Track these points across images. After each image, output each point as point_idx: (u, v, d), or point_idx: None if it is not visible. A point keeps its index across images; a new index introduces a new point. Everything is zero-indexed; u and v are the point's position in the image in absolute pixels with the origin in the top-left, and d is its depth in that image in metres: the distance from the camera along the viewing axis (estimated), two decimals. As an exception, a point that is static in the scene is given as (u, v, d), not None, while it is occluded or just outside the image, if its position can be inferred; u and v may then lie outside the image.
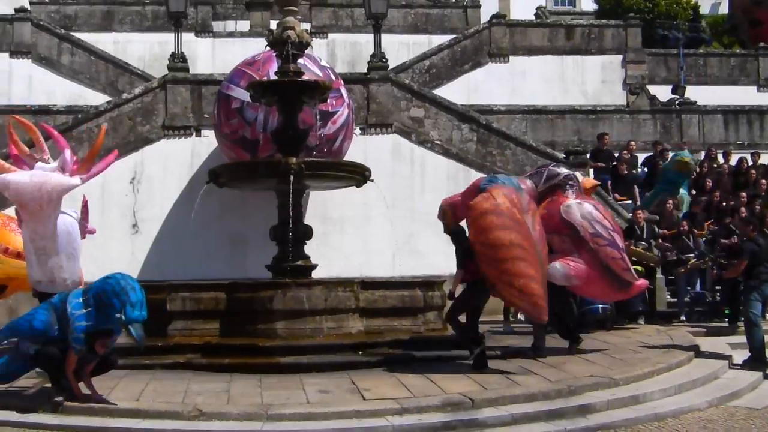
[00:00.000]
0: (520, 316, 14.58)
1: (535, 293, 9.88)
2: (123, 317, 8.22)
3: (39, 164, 10.08)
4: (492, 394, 8.84)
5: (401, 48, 26.39)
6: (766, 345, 11.49)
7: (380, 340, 11.39)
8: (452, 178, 17.34)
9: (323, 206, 16.84)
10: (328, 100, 14.94)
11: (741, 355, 11.66)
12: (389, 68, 18.50)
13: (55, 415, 8.31)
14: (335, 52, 26.85)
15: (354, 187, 15.00)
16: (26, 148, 10.49)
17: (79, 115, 17.53)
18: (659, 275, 15.90)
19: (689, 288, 15.78)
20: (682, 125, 22.56)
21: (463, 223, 10.76)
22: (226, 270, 15.74)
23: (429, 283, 12.49)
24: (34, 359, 8.69)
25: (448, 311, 10.53)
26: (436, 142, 17.71)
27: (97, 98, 21.98)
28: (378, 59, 18.17)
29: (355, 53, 26.82)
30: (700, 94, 23.88)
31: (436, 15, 28.53)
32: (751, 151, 20.89)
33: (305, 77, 14.00)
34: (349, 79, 17.53)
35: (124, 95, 17.70)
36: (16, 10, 24.32)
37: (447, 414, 8.30)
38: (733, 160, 20.03)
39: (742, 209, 16.22)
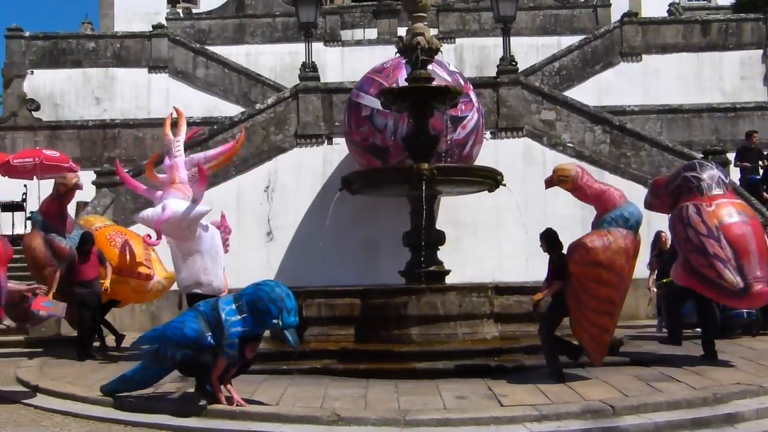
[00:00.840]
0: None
1: (603, 344, 10.08)
2: (280, 323, 8.48)
3: (172, 191, 10.94)
4: (633, 401, 8.61)
5: (530, 50, 26.15)
6: None
7: (515, 345, 11.28)
8: (585, 181, 17.05)
9: (455, 211, 16.82)
10: (458, 105, 14.93)
11: None
12: (519, 71, 18.35)
13: (200, 419, 8.53)
14: (463, 57, 26.83)
15: (486, 191, 14.93)
16: (158, 176, 11.23)
17: (215, 126, 18.08)
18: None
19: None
20: (829, 121, 21.55)
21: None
22: (359, 276, 15.93)
23: (564, 288, 12.28)
24: (179, 365, 8.91)
25: (542, 325, 10.18)
26: (568, 144, 17.47)
27: (231, 109, 22.63)
28: (507, 62, 18.06)
29: (483, 57, 26.74)
30: None
31: (565, 15, 28.13)
32: None
33: (435, 83, 14.02)
34: (479, 84, 17.49)
35: (258, 105, 18.14)
36: (154, 27, 25.28)
37: (587, 421, 8.13)
38: None
39: None
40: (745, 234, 10.51)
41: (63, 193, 13.12)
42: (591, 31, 25.91)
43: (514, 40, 21.97)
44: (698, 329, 11.88)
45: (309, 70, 18.23)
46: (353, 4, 30.48)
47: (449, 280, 13.58)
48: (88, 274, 12.91)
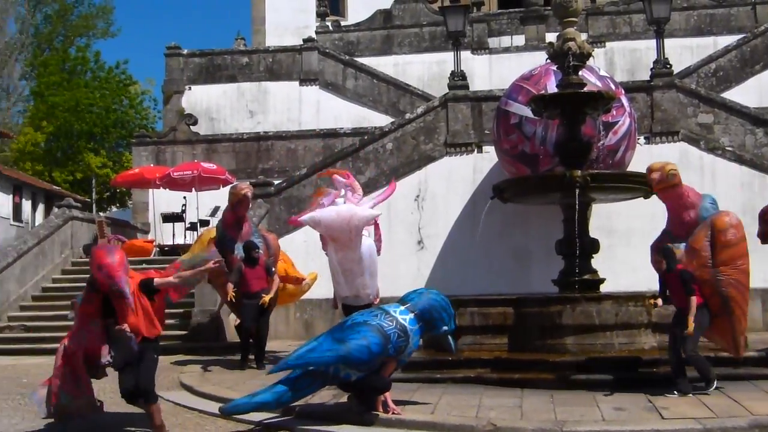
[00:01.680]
0: None
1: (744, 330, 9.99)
2: (449, 329, 8.64)
3: (338, 200, 11.28)
4: (807, 416, 8.19)
5: (684, 52, 25.37)
6: None
7: (675, 356, 10.92)
8: (746, 186, 16.43)
9: (608, 218, 16.49)
10: (610, 110, 14.64)
11: None
12: (673, 74, 17.84)
13: (359, 428, 8.54)
14: (614, 61, 26.29)
15: (641, 198, 14.57)
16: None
17: (365, 137, 18.35)
18: None
19: None
20: None
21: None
22: (510, 285, 15.85)
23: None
24: (347, 384, 8.63)
25: (689, 343, 9.70)
26: (727, 148, 16.85)
27: (380, 119, 22.93)
28: (661, 65, 17.59)
29: (634, 60, 26.13)
30: None
31: (721, 15, 27.14)
32: None
33: (586, 89, 13.79)
34: (631, 88, 17.11)
35: (407, 115, 18.31)
36: (304, 41, 25.92)
37: (755, 437, 7.80)
38: None
39: None
40: None
41: (234, 203, 13.36)
42: (750, 29, 24.89)
43: (668, 42, 21.38)
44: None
45: (458, 78, 18.27)
46: (500, 11, 30.34)
47: (603, 288, 13.31)
48: (253, 285, 12.96)
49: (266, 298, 12.98)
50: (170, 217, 21.96)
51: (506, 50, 27.48)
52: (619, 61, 26.43)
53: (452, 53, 19.20)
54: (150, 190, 22.86)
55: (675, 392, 9.44)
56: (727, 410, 8.53)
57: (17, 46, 47.54)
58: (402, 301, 8.87)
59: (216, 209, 21.20)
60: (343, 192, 11.73)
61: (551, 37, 16.26)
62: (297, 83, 25.42)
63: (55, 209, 23.47)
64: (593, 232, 14.40)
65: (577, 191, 12.64)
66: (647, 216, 16.22)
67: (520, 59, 25.06)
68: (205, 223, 21.44)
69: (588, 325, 11.25)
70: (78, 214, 21.43)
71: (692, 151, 16.89)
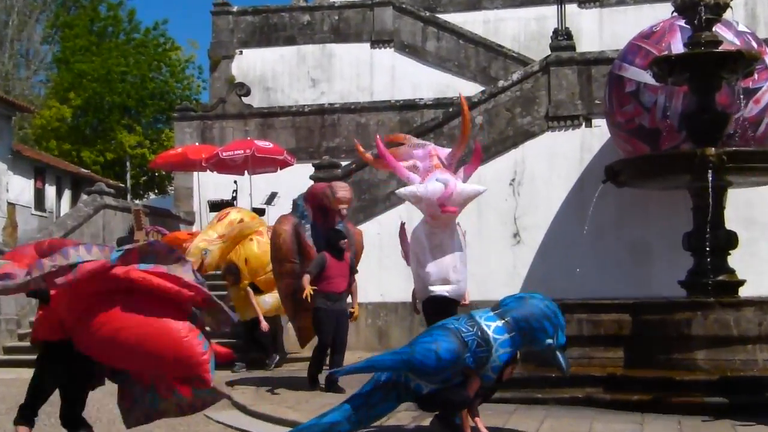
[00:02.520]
0: None
1: None
2: (554, 343, 8.43)
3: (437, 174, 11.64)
4: None
5: None
6: None
7: (833, 376, 10.68)
8: None
9: (747, 208, 16.20)
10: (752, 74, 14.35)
11: None
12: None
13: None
14: (755, 13, 25.73)
15: (792, 182, 14.33)
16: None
17: (450, 109, 18.33)
18: None
19: None
20: None
21: None
22: (626, 286, 15.69)
23: None
24: (422, 400, 8.61)
25: None
26: None
27: (467, 88, 22.85)
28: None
29: (781, 12, 25.61)
30: None
31: None
32: None
33: (722, 47, 13.53)
34: (778, 46, 16.72)
35: (500, 83, 18.22)
36: (375, -5, 25.97)
37: None
38: None
39: None
40: None
41: (328, 208, 12.99)
42: None
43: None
44: None
45: (562, 37, 18.16)
46: (613, -45, 29.91)
47: (743, 292, 13.07)
48: (337, 284, 12.32)
49: (355, 312, 12.83)
50: (219, 205, 22.12)
51: (621, 2, 27.04)
52: (762, 13, 25.86)
53: (555, 7, 19.05)
54: (195, 174, 23.20)
55: None
56: None
57: (38, 5, 48.32)
58: (496, 306, 8.78)
59: (273, 196, 21.41)
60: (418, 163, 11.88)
61: (678, -15, 16.00)
62: (368, 45, 25.51)
63: (84, 196, 24.00)
64: (729, 224, 14.11)
65: (710, 173, 12.41)
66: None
67: (638, 13, 24.70)
68: (260, 212, 21.66)
69: (724, 337, 11.05)
70: (111, 201, 21.84)
71: None
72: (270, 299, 15.23)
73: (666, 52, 14.79)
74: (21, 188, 34.67)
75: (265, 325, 15.07)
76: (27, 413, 8.44)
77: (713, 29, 13.58)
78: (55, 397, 8.50)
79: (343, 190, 13.04)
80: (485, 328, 8.42)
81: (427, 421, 9.31)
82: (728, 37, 15.02)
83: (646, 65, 14.31)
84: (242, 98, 24.01)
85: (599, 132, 17.17)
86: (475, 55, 25.00)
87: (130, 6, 58.93)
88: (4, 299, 17.37)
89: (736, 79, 13.56)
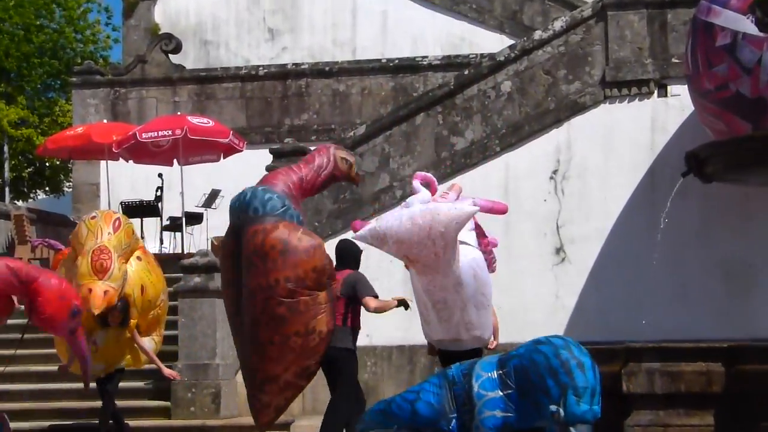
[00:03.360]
0: None
1: None
2: (561, 412, 8.30)
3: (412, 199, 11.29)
4: None
5: None
6: None
7: None
8: None
9: None
10: None
11: None
12: None
13: None
14: None
15: None
16: None
17: (465, 72, 18.34)
18: None
19: None
20: None
21: None
22: (716, 323, 15.79)
23: None
24: None
25: None
26: None
27: (489, 41, 22.86)
28: None
29: None
30: None
31: None
32: None
33: None
34: None
35: (537, 34, 18.23)
36: None
37: None
38: None
39: None
40: None
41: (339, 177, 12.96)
42: None
43: None
44: None
45: (624, -31, 18.16)
46: None
47: None
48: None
49: None
50: (137, 209, 22.17)
51: None
52: None
53: (614, -73, 19.03)
54: (102, 164, 23.16)
55: None
56: None
57: None
58: (507, 352, 8.90)
59: (214, 195, 21.41)
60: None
61: None
62: (350, -16, 25.51)
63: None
64: None
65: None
66: None
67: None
68: (195, 218, 21.65)
69: None
70: (-19, 202, 21.78)
71: None
72: (150, 344, 14.91)
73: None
74: None
75: (171, 373, 14.84)
76: None
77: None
78: None
79: (348, 153, 13.09)
80: (474, 380, 8.53)
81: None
82: None
83: (746, 8, 14.34)
84: (170, 56, 23.97)
85: (678, 103, 17.24)
86: (500, -5, 25.04)
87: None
88: None
89: None
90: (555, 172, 17.55)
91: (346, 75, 22.62)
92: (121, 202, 22.39)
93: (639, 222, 16.90)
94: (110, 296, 13.29)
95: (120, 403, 14.64)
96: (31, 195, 43.53)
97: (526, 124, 17.65)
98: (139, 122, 22.43)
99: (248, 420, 12.87)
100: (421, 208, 11.02)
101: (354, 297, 11.96)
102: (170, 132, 21.00)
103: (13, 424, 12.98)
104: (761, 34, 14.48)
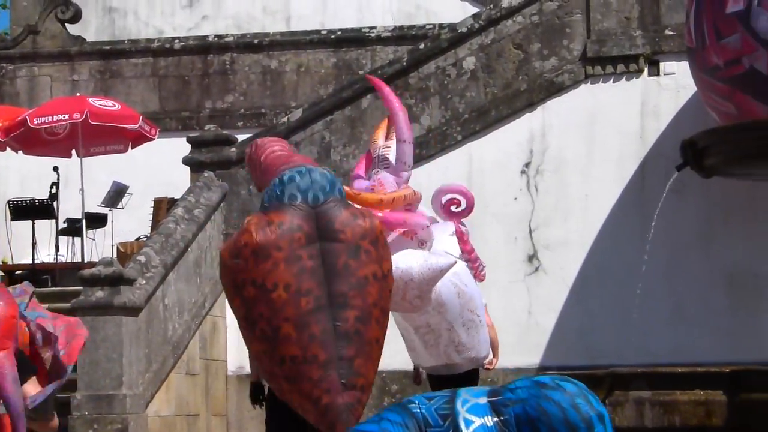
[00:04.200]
0: None
1: None
2: None
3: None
4: None
5: None
6: None
7: None
8: None
9: None
10: None
11: None
12: None
13: None
14: None
15: None
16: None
17: (421, 46, 18.39)
18: None
19: None
20: None
21: None
22: (719, 342, 15.91)
23: None
24: None
25: None
26: None
27: (448, 9, 22.87)
28: None
29: None
30: None
31: None
32: None
33: None
34: None
35: (505, 1, 18.24)
36: None
37: None
38: None
39: None
40: None
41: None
42: None
43: None
44: None
45: None
46: None
47: None
48: None
49: None
50: (28, 209, 22.07)
51: None
52: None
53: None
54: (-17, 155, 23.02)
55: None
56: None
57: None
58: (496, 392, 8.75)
59: (121, 192, 21.31)
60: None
61: None
62: None
63: None
64: None
65: None
66: None
67: None
68: (98, 220, 21.52)
69: None
70: None
71: None
72: None
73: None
74: None
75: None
76: None
77: None
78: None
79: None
80: (462, 424, 8.40)
81: None
82: None
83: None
84: (67, 26, 23.86)
85: (673, 83, 17.34)
86: (462, -46, 25.10)
87: None
88: None
89: None
90: (527, 165, 17.60)
91: (278, 49, 22.62)
92: (8, 201, 22.27)
93: (627, 224, 16.98)
94: None
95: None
96: None
97: (492, 108, 17.71)
98: (30, 105, 22.33)
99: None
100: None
101: None
102: (67, 117, 20.88)
103: None
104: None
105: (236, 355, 17.22)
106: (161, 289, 16.07)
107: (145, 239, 17.70)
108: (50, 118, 21.00)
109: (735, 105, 15.79)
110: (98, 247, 21.82)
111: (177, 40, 23.43)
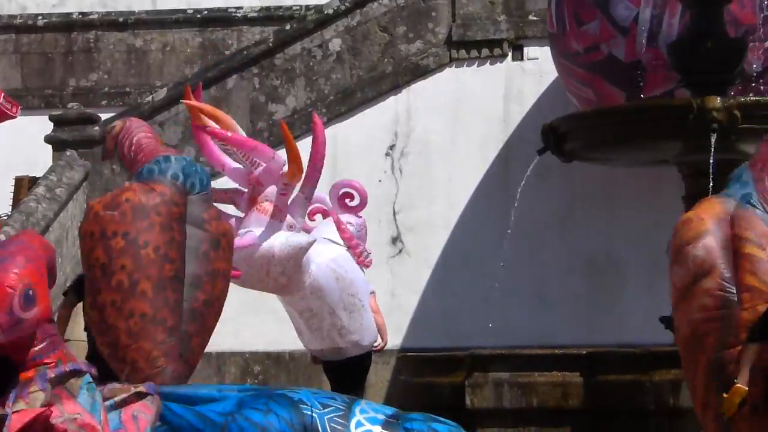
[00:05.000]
0: None
1: None
2: None
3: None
4: None
5: None
6: None
7: None
8: None
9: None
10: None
11: None
12: None
13: None
14: None
15: None
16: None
17: (287, 27, 18.44)
18: None
19: None
20: None
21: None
22: (579, 325, 16.07)
23: None
24: None
25: None
26: None
27: (315, -8, 22.96)
28: None
29: None
30: None
31: None
32: None
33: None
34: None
35: (372, -18, 18.35)
36: None
37: None
38: None
39: None
40: None
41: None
42: None
43: None
44: None
45: None
46: None
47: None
48: None
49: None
50: None
51: None
52: None
53: None
54: None
55: None
56: None
57: None
58: (394, 416, 8.68)
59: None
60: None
61: None
62: None
63: None
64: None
65: (714, 138, 12.73)
66: None
67: None
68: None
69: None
70: None
71: None
72: None
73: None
74: None
75: None
76: None
77: None
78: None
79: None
80: None
81: None
82: None
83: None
84: None
85: (536, 68, 17.45)
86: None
87: None
88: None
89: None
90: (392, 147, 17.64)
91: (143, 28, 22.47)
92: None
93: (490, 208, 17.01)
94: None
95: None
96: None
97: (358, 90, 17.74)
98: None
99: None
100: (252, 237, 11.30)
101: None
102: None
103: None
104: (638, -11, 14.81)
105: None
106: (21, 268, 15.95)
107: (5, 218, 17.55)
108: None
109: (594, 91, 15.96)
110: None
111: (40, 17, 23.17)
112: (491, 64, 17.62)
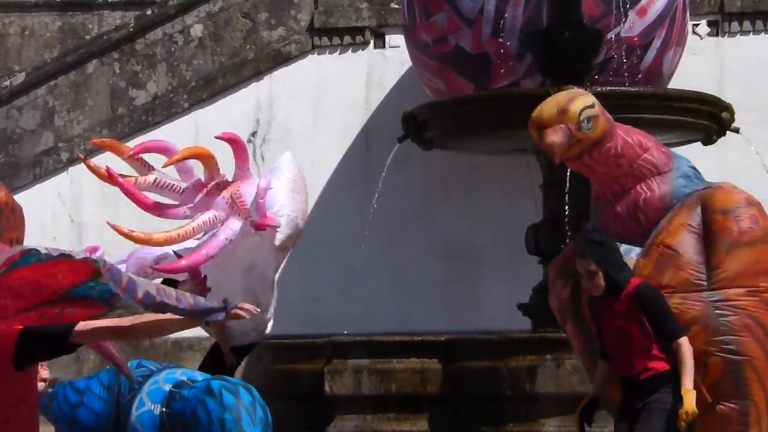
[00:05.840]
0: None
1: None
2: None
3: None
4: None
5: None
6: None
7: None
8: None
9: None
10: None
11: None
12: None
13: None
14: None
15: (698, 142, 14.98)
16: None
17: (149, 12, 18.43)
18: None
19: None
20: None
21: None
22: (439, 311, 16.26)
23: None
24: None
25: None
26: None
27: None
28: None
29: None
30: None
31: None
32: None
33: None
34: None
35: (234, -31, 18.35)
36: None
37: None
38: None
39: None
40: None
41: None
42: None
43: None
44: None
45: None
46: None
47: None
48: None
49: None
50: None
51: None
52: None
53: None
54: None
55: None
56: None
57: None
58: (181, 382, 8.66)
59: None
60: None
61: None
62: None
63: None
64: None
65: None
66: (715, 178, 16.62)
67: None
68: None
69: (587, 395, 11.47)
70: None
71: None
72: None
73: None
74: None
75: None
76: None
77: None
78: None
79: None
80: (135, 407, 8.30)
81: None
82: None
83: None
84: None
85: (397, 56, 17.58)
86: None
87: None
88: None
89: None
90: (254, 134, 17.72)
91: (2, 11, 22.25)
92: None
93: (351, 195, 17.16)
94: None
95: None
96: None
97: (220, 77, 17.79)
98: None
99: None
100: None
101: None
102: None
103: None
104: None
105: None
106: None
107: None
108: None
109: (444, 82, 16.12)
110: None
111: None
112: (353, 51, 17.70)
